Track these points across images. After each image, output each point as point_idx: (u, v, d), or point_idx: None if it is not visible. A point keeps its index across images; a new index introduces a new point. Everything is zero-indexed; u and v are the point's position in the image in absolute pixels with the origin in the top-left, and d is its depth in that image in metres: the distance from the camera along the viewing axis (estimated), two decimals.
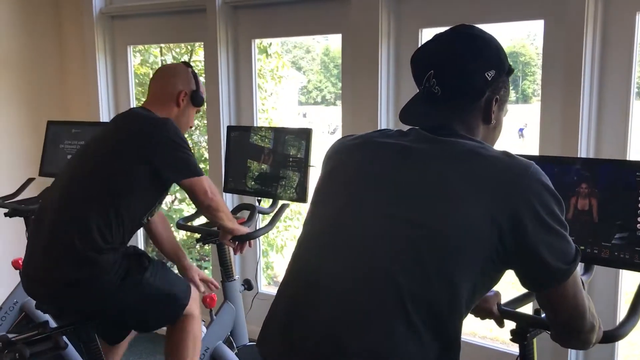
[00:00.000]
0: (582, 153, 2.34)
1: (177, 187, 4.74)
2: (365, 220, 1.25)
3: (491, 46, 1.33)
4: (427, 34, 2.82)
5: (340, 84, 3.12)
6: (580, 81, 2.30)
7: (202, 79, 4.66)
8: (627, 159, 2.28)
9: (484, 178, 1.19)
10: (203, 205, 2.14)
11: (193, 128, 2.55)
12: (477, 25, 1.37)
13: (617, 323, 1.52)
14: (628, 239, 1.59)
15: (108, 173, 2.05)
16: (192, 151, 2.19)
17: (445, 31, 1.36)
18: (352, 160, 1.36)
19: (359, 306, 1.18)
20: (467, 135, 1.30)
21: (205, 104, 2.33)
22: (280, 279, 5.62)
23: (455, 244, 1.17)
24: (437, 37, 1.36)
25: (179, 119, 2.24)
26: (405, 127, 1.38)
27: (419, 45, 2.68)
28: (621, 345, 2.47)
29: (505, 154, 1.23)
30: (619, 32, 2.28)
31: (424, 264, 1.17)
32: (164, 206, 4.98)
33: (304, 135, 2.45)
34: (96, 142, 2.20)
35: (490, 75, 1.30)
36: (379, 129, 1.46)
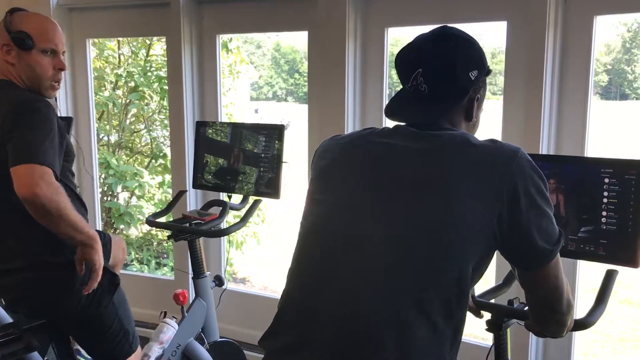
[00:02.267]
0: (544, 150, 2.45)
1: (135, 185, 4.72)
2: (366, 220, 1.28)
3: (475, 47, 1.38)
4: (392, 33, 2.88)
5: (291, 80, 3.15)
6: (542, 81, 2.40)
7: (162, 74, 4.62)
8: (585, 155, 2.40)
9: (477, 166, 1.24)
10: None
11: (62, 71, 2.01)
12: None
13: (575, 311, 1.61)
14: (593, 232, 1.69)
15: None
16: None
17: (431, 31, 1.40)
18: (347, 159, 1.39)
19: (372, 303, 1.22)
20: (453, 128, 1.35)
21: (34, 44, 1.91)
22: (239, 275, 5.58)
23: (458, 235, 1.22)
24: (424, 37, 1.40)
25: (25, 73, 1.92)
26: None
27: (384, 44, 2.79)
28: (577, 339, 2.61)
29: (493, 141, 1.29)
30: (578, 34, 2.40)
31: (429, 255, 1.21)
32: (122, 202, 4.92)
33: (276, 132, 2.47)
34: None
35: (473, 75, 1.36)
36: (364, 127, 1.49)
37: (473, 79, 1.36)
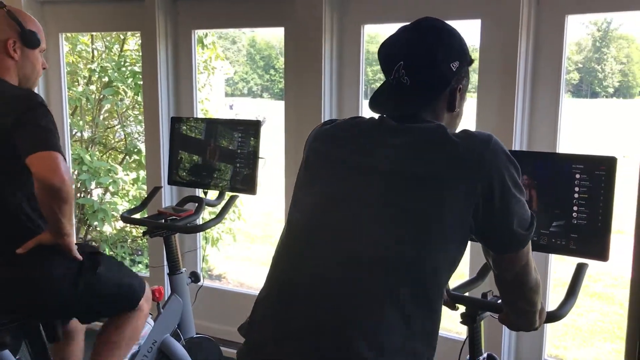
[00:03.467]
0: (516, 146, 2.49)
1: (109, 181, 4.66)
2: (350, 209, 1.31)
3: (456, 38, 1.41)
4: (368, 30, 2.90)
5: (266, 76, 3.17)
6: (515, 78, 2.44)
7: (137, 69, 4.58)
8: (557, 151, 2.44)
9: (452, 158, 1.27)
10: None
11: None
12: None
13: (547, 305, 1.65)
14: (564, 226, 1.73)
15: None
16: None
17: (412, 23, 1.42)
18: (331, 151, 1.41)
19: (351, 292, 1.24)
20: (433, 121, 1.37)
21: (40, 43, 2.02)
22: (215, 272, 5.57)
23: (436, 224, 1.25)
24: (405, 29, 1.42)
25: (23, 70, 1.98)
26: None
27: (360, 41, 2.80)
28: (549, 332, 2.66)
29: (466, 132, 1.32)
30: (550, 33, 2.44)
31: (410, 246, 1.24)
32: (95, 199, 4.86)
33: (253, 127, 2.47)
34: None
35: (455, 66, 1.38)
36: (353, 116, 1.51)
37: (455, 69, 1.38)
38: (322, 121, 2.81)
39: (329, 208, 1.34)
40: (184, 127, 2.68)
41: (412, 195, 1.26)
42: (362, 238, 1.27)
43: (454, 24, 1.45)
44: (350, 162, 1.36)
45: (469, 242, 1.35)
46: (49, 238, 1.88)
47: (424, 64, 1.36)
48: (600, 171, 1.66)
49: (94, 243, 4.96)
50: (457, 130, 1.36)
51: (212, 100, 5.50)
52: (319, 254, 1.31)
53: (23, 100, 1.87)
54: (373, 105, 1.44)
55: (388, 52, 1.41)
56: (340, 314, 1.23)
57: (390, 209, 1.27)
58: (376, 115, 1.42)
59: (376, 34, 3.13)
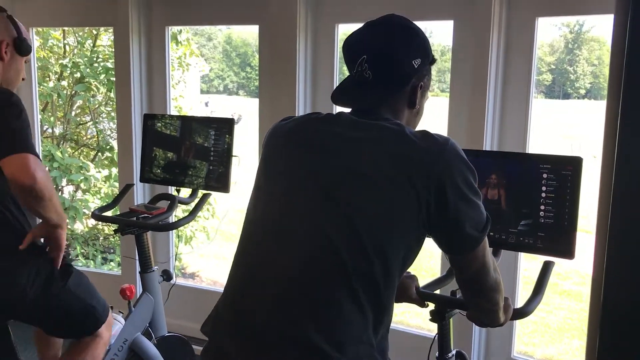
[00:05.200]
0: (487, 146, 2.52)
1: (81, 178, 4.61)
2: (305, 205, 1.32)
3: (419, 36, 1.43)
4: (342, 29, 2.91)
5: (242, 74, 3.16)
6: (486, 79, 2.48)
7: (109, 65, 4.53)
8: (527, 151, 2.48)
9: (407, 158, 1.29)
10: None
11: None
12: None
13: (516, 302, 1.68)
14: (532, 225, 1.76)
15: None
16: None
17: (378, 19, 1.45)
18: (288, 147, 1.42)
19: (306, 284, 1.26)
20: (392, 119, 1.39)
21: (30, 52, 2.08)
22: (188, 270, 5.54)
23: (387, 222, 1.27)
24: (370, 24, 1.44)
25: (7, 73, 2.00)
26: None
27: (334, 40, 2.81)
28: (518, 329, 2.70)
29: (424, 133, 1.33)
30: (521, 34, 2.48)
31: (362, 241, 1.26)
32: (66, 196, 4.80)
33: (226, 125, 2.47)
34: None
35: (416, 63, 1.40)
36: (309, 112, 1.52)
37: (416, 66, 1.40)
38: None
39: (283, 209, 1.36)
40: (158, 124, 2.66)
41: (367, 193, 1.28)
42: (315, 238, 1.28)
43: (427, 24, 1.48)
44: (305, 159, 1.37)
45: None
46: (42, 228, 1.91)
47: (386, 59, 1.38)
48: (566, 171, 1.69)
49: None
50: (417, 129, 1.38)
51: (187, 97, 5.48)
52: (273, 254, 1.32)
53: None
54: (335, 99, 1.46)
55: (352, 45, 1.43)
56: (298, 313, 1.25)
57: (344, 209, 1.28)
58: (335, 111, 1.44)
59: (349, 32, 3.13)
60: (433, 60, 1.47)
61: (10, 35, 1.99)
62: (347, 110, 1.45)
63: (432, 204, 1.27)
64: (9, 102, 1.85)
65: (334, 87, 2.84)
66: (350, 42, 1.44)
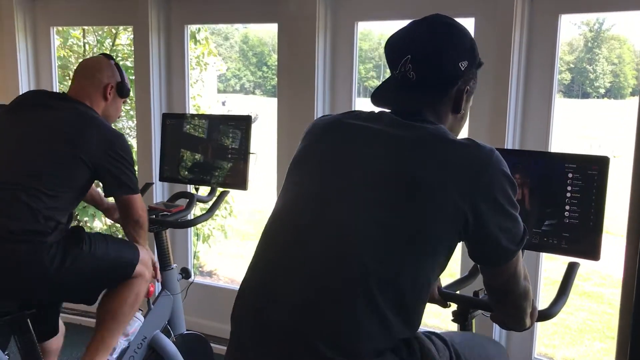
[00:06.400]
0: (509, 144, 2.49)
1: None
2: (338, 205, 1.28)
3: (466, 38, 1.37)
4: (362, 27, 2.89)
5: (259, 73, 3.15)
6: (508, 76, 2.44)
7: (128, 64, 4.56)
8: (549, 150, 2.45)
9: (451, 166, 1.24)
10: (133, 219, 2.23)
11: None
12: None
13: (538, 303, 1.65)
14: (556, 225, 1.73)
15: (51, 162, 2.07)
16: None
17: (423, 19, 1.38)
18: (326, 143, 1.38)
19: (328, 288, 1.22)
20: (436, 123, 1.33)
21: (129, 94, 2.42)
22: (206, 268, 5.55)
23: (423, 230, 1.22)
24: (415, 23, 1.38)
25: (108, 111, 2.31)
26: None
27: (354, 38, 2.79)
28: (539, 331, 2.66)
29: (470, 141, 1.28)
30: (543, 32, 2.44)
31: (393, 249, 1.22)
32: None
33: (243, 123, 2.46)
34: (38, 127, 2.14)
35: (463, 65, 1.34)
36: (350, 110, 1.48)
37: (463, 69, 1.34)
38: (315, 118, 2.83)
39: (313, 205, 1.32)
40: (184, 124, 2.66)
41: (402, 196, 1.23)
42: (350, 237, 1.24)
43: None
44: (341, 157, 1.33)
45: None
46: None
47: (430, 60, 1.32)
48: (592, 171, 1.66)
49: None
50: (460, 136, 1.34)
51: (205, 97, 5.48)
52: (300, 252, 1.29)
53: (112, 138, 2.15)
54: (376, 99, 1.41)
55: (396, 44, 1.37)
56: (317, 317, 1.22)
57: (379, 213, 1.24)
58: (376, 110, 1.39)
59: (369, 31, 3.13)
60: (480, 64, 1.41)
61: (115, 79, 2.30)
62: (388, 111, 1.39)
63: (470, 214, 1.23)
64: (125, 147, 2.16)
65: (353, 86, 2.87)
66: (394, 41, 1.38)
